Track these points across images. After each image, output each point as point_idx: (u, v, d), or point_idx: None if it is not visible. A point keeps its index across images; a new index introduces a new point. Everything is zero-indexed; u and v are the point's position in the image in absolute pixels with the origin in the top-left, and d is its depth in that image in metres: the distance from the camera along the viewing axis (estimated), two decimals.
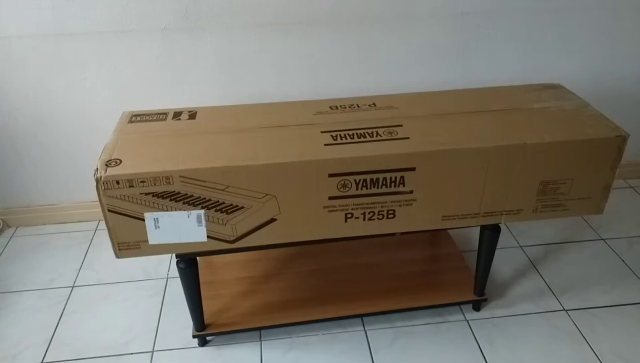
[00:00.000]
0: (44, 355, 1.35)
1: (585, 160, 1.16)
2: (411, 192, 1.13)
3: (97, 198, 1.05)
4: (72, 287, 1.57)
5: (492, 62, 1.73)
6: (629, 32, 1.73)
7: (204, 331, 1.34)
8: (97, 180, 1.02)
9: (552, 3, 1.64)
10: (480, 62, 1.72)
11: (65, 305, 1.50)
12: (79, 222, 1.85)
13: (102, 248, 1.71)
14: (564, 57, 1.75)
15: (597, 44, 1.74)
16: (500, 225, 1.29)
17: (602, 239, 1.72)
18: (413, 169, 1.11)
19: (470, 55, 1.70)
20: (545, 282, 1.55)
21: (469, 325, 1.41)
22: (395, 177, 1.11)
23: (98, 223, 1.83)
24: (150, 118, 1.23)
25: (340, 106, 1.27)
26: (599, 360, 1.31)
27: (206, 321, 1.35)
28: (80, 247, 1.73)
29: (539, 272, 1.59)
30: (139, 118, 1.23)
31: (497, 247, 1.35)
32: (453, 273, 1.50)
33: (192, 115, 1.24)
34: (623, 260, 1.63)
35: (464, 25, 1.64)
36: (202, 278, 1.29)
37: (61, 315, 1.47)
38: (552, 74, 1.72)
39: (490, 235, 1.30)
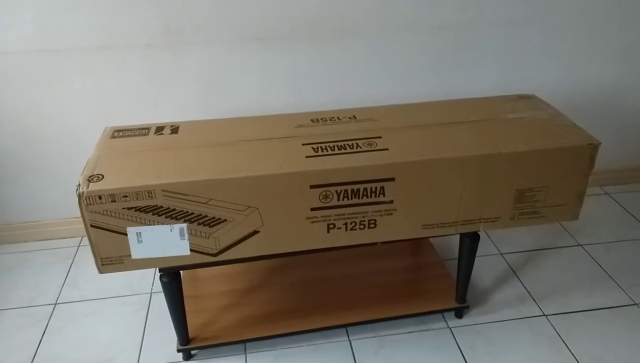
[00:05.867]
0: None
1: (559, 168, 1.20)
2: (391, 201, 1.16)
3: (79, 214, 1.06)
4: (55, 304, 1.56)
5: (470, 74, 1.77)
6: (602, 44, 1.78)
7: (189, 345, 1.34)
8: (80, 196, 1.03)
9: (528, 15, 1.68)
10: (458, 73, 1.76)
11: (48, 322, 1.49)
12: (62, 238, 1.83)
13: (85, 264, 1.70)
14: (540, 68, 1.79)
15: (572, 55, 1.79)
16: (479, 233, 1.31)
17: (579, 245, 1.76)
18: (393, 179, 1.13)
19: (448, 67, 1.74)
20: (526, 288, 1.58)
21: (452, 332, 1.43)
22: (376, 188, 1.13)
23: (81, 240, 1.82)
24: (133, 133, 1.24)
25: (321, 119, 1.30)
26: None
27: (190, 335, 1.35)
28: (63, 263, 1.72)
29: (519, 279, 1.62)
30: (121, 133, 1.24)
31: (478, 254, 1.37)
32: (435, 282, 1.52)
33: (175, 129, 1.26)
34: (600, 265, 1.67)
35: (442, 38, 1.68)
36: (186, 292, 1.30)
37: (44, 333, 1.45)
38: (528, 85, 1.77)
39: (470, 242, 1.32)
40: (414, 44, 1.68)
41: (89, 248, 1.10)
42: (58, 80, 1.57)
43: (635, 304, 1.51)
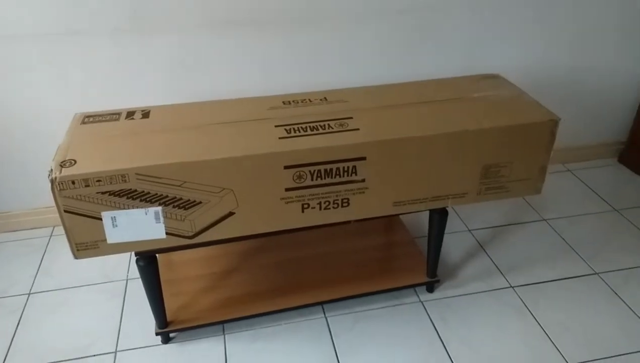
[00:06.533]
0: (3, 362, 1.33)
1: (523, 143, 1.25)
2: (363, 180, 1.19)
3: (50, 204, 1.05)
4: (29, 293, 1.54)
5: (436, 55, 1.80)
6: (560, 25, 1.84)
7: (167, 328, 1.36)
8: (52, 181, 1.02)
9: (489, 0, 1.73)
10: (424, 55, 1.79)
11: (23, 312, 1.48)
12: (33, 229, 1.80)
13: (58, 254, 1.69)
14: (504, 49, 1.85)
15: (532, 36, 1.85)
16: (448, 209, 1.36)
17: (544, 220, 1.83)
18: (364, 159, 1.16)
19: (415, 50, 1.77)
20: (493, 261, 1.64)
21: (424, 306, 1.48)
22: (348, 167, 1.16)
23: (53, 230, 1.80)
24: (103, 118, 1.23)
25: (293, 101, 1.31)
26: (543, 330, 1.40)
27: (169, 318, 1.36)
28: (35, 254, 1.69)
29: (487, 253, 1.68)
30: (91, 119, 1.23)
31: (447, 231, 1.42)
32: (407, 258, 1.56)
33: (146, 114, 1.26)
34: (563, 239, 1.74)
35: (408, 21, 1.71)
36: (162, 277, 1.30)
37: (19, 323, 1.44)
38: (493, 65, 1.82)
39: (439, 218, 1.37)
40: (380, 27, 1.70)
41: (61, 238, 1.10)
42: (22, 68, 1.54)
43: (596, 273, 1.59)
